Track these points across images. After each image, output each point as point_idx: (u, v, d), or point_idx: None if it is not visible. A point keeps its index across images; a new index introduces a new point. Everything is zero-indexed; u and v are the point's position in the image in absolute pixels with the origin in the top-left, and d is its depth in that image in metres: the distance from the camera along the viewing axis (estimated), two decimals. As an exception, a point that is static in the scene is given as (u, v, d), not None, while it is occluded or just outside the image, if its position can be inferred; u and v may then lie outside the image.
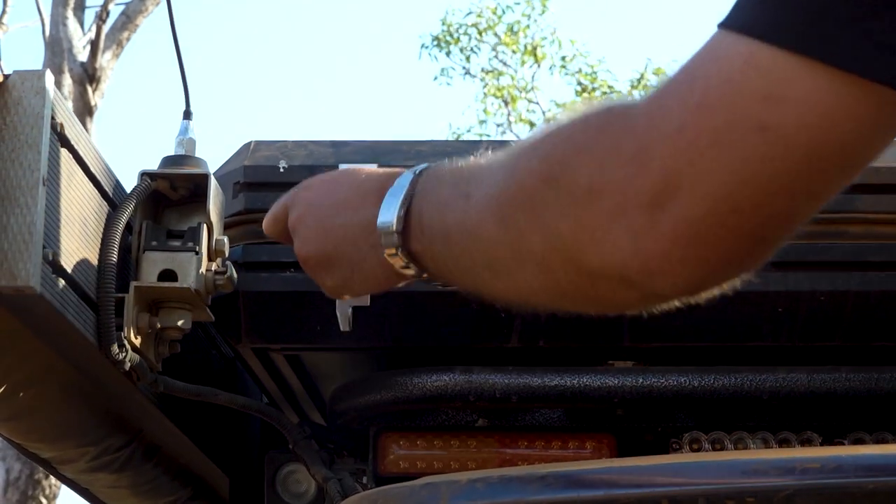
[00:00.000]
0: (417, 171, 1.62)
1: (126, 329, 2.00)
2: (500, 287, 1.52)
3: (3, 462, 11.02)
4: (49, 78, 1.81)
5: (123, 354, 1.99)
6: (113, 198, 2.05)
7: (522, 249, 1.41)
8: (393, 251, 1.61)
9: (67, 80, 12.06)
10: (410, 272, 1.64)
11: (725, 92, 1.24)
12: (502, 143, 2.59)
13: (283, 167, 2.25)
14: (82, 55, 12.16)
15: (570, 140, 1.37)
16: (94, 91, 12.04)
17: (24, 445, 2.27)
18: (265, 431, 2.67)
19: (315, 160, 2.26)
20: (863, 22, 1.19)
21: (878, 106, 1.22)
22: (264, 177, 2.25)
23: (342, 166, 2.22)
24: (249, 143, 2.31)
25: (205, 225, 2.08)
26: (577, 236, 1.34)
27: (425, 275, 1.64)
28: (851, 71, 1.20)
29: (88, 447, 2.31)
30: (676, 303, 1.45)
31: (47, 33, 12.49)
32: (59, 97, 1.85)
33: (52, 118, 1.82)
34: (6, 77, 1.81)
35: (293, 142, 2.31)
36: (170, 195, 2.12)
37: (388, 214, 1.59)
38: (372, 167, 1.83)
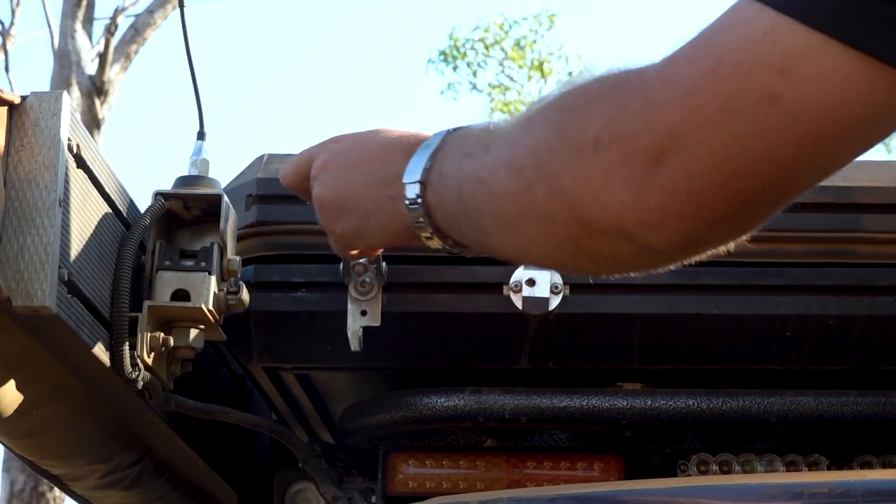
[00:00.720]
0: (451, 130, 1.64)
1: (139, 348, 2.01)
2: (506, 243, 1.53)
3: (7, 473, 11.03)
4: (66, 99, 1.83)
5: (136, 373, 2.00)
6: (127, 218, 2.07)
7: (527, 200, 1.43)
8: (413, 201, 1.61)
9: (75, 93, 12.09)
10: (425, 228, 1.63)
11: (741, 60, 1.26)
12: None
13: None
14: (90, 68, 12.19)
15: (584, 93, 1.40)
16: (101, 104, 12.07)
17: (36, 462, 2.28)
18: (275, 449, 2.68)
19: None
20: (886, 5, 1.21)
21: (891, 90, 1.24)
22: (277, 189, 2.25)
23: None
24: (262, 156, 2.33)
25: (217, 245, 2.09)
26: (579, 187, 1.36)
27: (436, 237, 1.64)
28: (869, 53, 1.22)
29: (99, 464, 2.32)
30: (671, 264, 1.46)
31: (56, 45, 12.53)
32: (76, 118, 1.87)
33: (69, 139, 1.83)
34: (23, 98, 1.82)
35: None
36: (183, 215, 2.13)
37: (416, 167, 1.60)
38: (404, 130, 1.83)
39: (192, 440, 2.42)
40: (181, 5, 2.22)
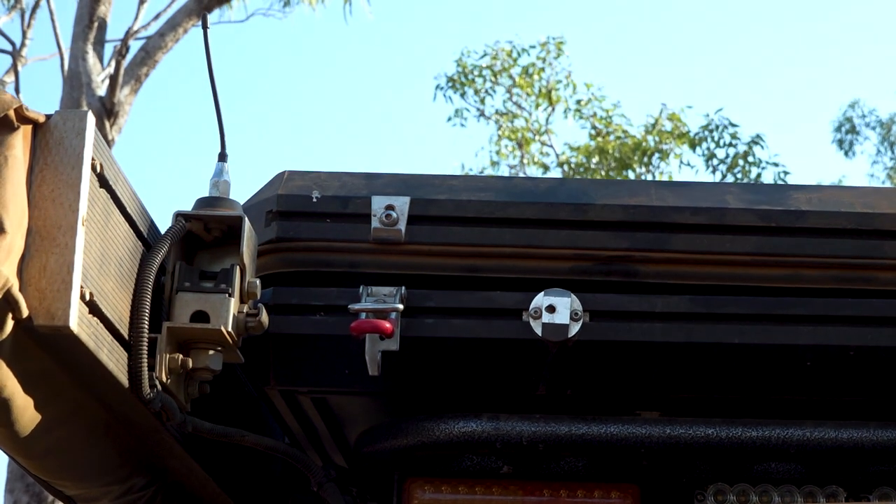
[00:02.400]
0: None
1: (158, 369, 2.00)
2: None
3: (10, 494, 11.00)
4: (90, 119, 1.83)
5: (154, 394, 1.99)
6: (148, 238, 2.06)
7: None
8: None
9: (85, 115, 12.07)
10: None
11: None
12: (532, 179, 2.61)
13: (316, 197, 2.26)
14: (101, 90, 12.21)
15: None
16: (111, 126, 12.08)
17: (50, 482, 2.27)
18: (289, 473, 2.67)
19: (348, 191, 2.27)
20: None
21: None
22: (297, 206, 2.26)
23: (374, 198, 2.24)
24: (283, 172, 2.33)
25: (238, 267, 2.08)
26: None
27: None
28: None
29: (113, 486, 2.31)
30: None
31: (66, 67, 12.54)
32: (100, 137, 1.86)
33: (92, 158, 1.83)
34: (48, 117, 1.82)
35: (326, 173, 2.32)
36: (203, 237, 2.13)
37: None
38: None
39: (206, 463, 2.41)
40: (205, 27, 2.22)
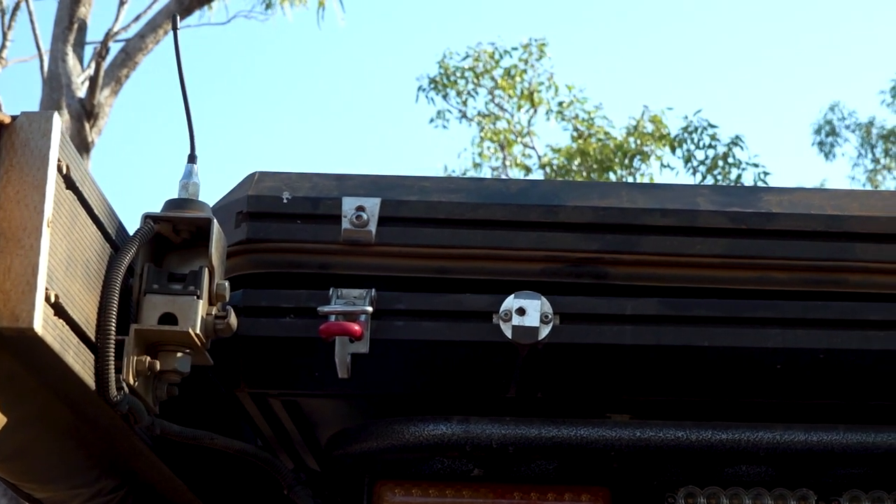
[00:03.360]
0: None
1: (125, 371, 1.99)
2: None
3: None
4: (56, 120, 1.82)
5: (121, 397, 1.99)
6: (116, 240, 2.05)
7: None
8: None
9: (65, 116, 12.06)
10: None
11: None
12: (503, 181, 2.61)
13: (287, 198, 2.26)
14: (81, 91, 12.17)
15: None
16: (91, 127, 12.04)
17: (18, 485, 2.26)
18: (260, 476, 2.66)
19: (318, 192, 2.27)
20: None
21: None
22: (268, 207, 2.25)
23: (345, 199, 2.24)
24: (254, 173, 2.32)
25: (206, 269, 2.08)
26: None
27: None
28: None
29: (81, 489, 2.30)
30: None
31: (46, 69, 12.50)
32: (66, 139, 1.85)
33: (59, 160, 1.82)
34: (13, 118, 1.81)
35: (297, 173, 2.32)
36: (172, 238, 2.12)
37: None
38: None
39: (175, 466, 2.40)
40: (175, 28, 2.21)
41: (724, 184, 14.81)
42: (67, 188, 1.87)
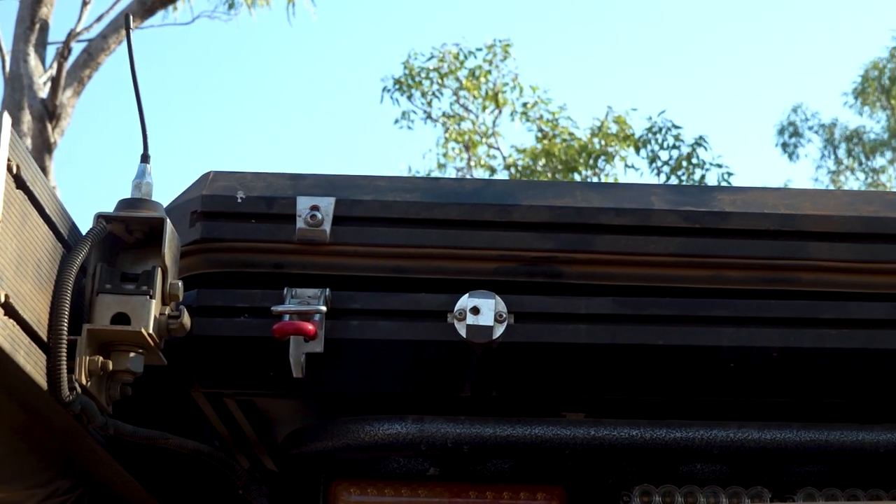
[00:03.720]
0: None
1: (77, 371, 1.98)
2: None
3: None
4: (6, 120, 1.81)
5: (73, 397, 1.98)
6: (68, 239, 2.04)
7: None
8: None
9: (27, 117, 12.01)
10: None
11: None
12: (458, 181, 2.61)
13: (241, 197, 2.25)
14: (43, 92, 12.12)
15: None
16: (53, 128, 11.99)
17: (-29, 486, 2.25)
18: (217, 476, 2.65)
19: (273, 192, 2.26)
20: None
21: None
22: (222, 206, 2.25)
23: (300, 199, 2.23)
24: (208, 173, 2.32)
25: (159, 269, 2.07)
26: None
27: None
28: None
29: (36, 489, 2.29)
30: None
31: (7, 69, 12.44)
32: (16, 138, 1.84)
33: (8, 160, 1.81)
34: (-38, 119, 1.80)
35: (252, 173, 2.31)
36: (125, 238, 2.11)
37: None
38: None
39: (131, 466, 2.39)
40: (127, 28, 2.20)
41: (687, 184, 14.85)
42: (18, 188, 1.86)
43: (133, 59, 2.18)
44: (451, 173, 19.25)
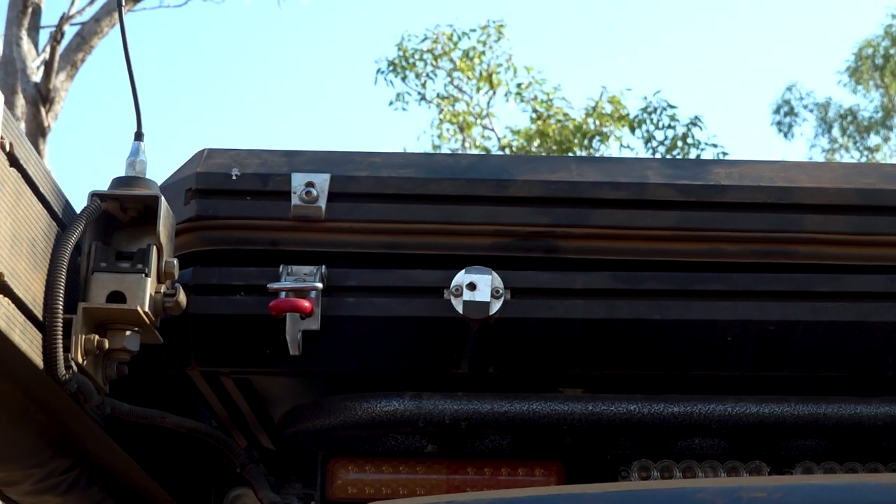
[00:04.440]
0: None
1: (73, 350, 1.98)
2: None
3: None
4: (-1, 98, 1.80)
5: (70, 376, 1.97)
6: (63, 218, 2.04)
7: None
8: None
9: (20, 101, 11.99)
10: None
11: None
12: (453, 156, 2.60)
13: (236, 174, 2.25)
14: (36, 76, 12.09)
15: None
16: (47, 112, 11.97)
17: (-32, 467, 2.25)
18: (214, 454, 2.65)
19: (268, 168, 2.26)
20: None
21: None
22: (217, 184, 2.24)
23: (294, 175, 2.23)
24: (203, 150, 2.31)
25: (154, 247, 2.06)
26: None
27: None
28: None
29: (33, 469, 2.29)
30: None
31: (0, 53, 12.42)
32: (9, 116, 1.84)
33: (1, 137, 1.80)
34: (-45, 97, 1.79)
35: (246, 150, 2.31)
36: (120, 216, 2.11)
37: None
38: None
39: (128, 445, 2.39)
40: (119, 5, 2.19)
41: (682, 158, 14.86)
42: (11, 166, 1.85)
43: (125, 33, 2.17)
44: (445, 155, 19.21)
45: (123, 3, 2.34)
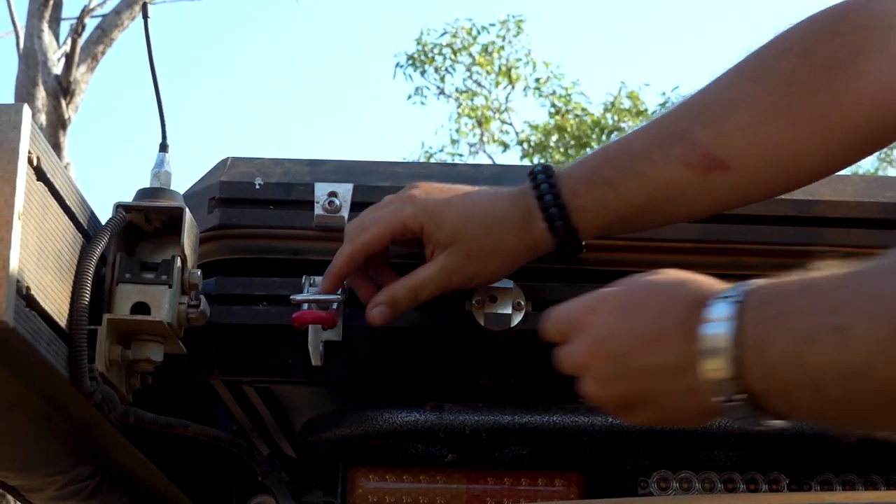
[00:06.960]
0: (738, 298, 1.43)
1: (98, 361, 1.99)
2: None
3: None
4: (26, 112, 1.81)
5: (95, 386, 1.99)
6: (87, 230, 2.05)
7: None
8: (728, 398, 1.41)
9: (41, 93, 12.03)
10: (740, 410, 1.44)
11: None
12: (475, 167, 2.60)
13: (259, 184, 2.26)
14: (57, 68, 12.14)
15: None
16: (67, 104, 12.01)
17: (-7, 474, 2.27)
18: (235, 462, 2.67)
19: (291, 178, 2.27)
20: None
21: None
22: (240, 193, 2.26)
23: (318, 185, 2.24)
24: (226, 159, 2.32)
25: (178, 258, 2.08)
26: None
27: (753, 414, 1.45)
28: None
29: (56, 476, 2.31)
30: None
31: (21, 45, 12.46)
32: (36, 129, 1.85)
33: (29, 152, 1.81)
34: (-18, 111, 1.80)
35: (270, 159, 2.32)
36: (144, 228, 2.12)
37: (716, 361, 1.40)
38: (665, 276, 1.61)
39: (151, 452, 2.41)
40: (145, 16, 2.20)
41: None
42: (38, 180, 1.87)
43: (151, 49, 2.18)
44: (463, 149, 19.26)
45: (149, 16, 2.33)
